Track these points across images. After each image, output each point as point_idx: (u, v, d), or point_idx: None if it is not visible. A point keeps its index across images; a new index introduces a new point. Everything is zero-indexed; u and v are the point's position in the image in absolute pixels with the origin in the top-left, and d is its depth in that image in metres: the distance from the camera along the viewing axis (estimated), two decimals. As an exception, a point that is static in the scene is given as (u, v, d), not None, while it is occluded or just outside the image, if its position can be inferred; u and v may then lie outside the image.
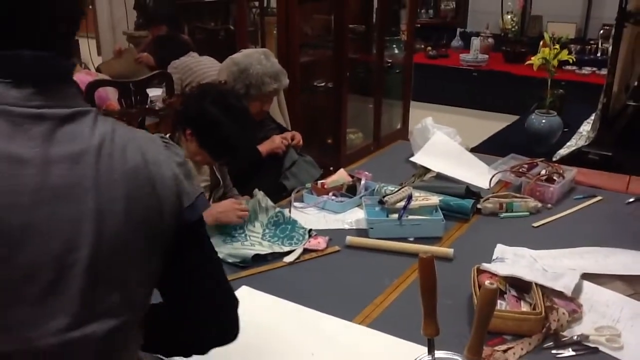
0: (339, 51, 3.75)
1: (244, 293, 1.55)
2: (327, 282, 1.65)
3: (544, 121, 2.99)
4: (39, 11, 0.77)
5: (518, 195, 2.11)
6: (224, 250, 1.76)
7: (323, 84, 4.18)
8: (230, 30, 4.97)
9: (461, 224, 1.97)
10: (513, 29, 5.74)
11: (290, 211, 2.03)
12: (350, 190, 2.18)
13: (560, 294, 1.44)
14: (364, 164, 2.60)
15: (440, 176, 2.31)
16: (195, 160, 1.94)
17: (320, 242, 1.82)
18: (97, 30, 5.75)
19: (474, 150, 2.75)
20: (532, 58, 2.91)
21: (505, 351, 1.29)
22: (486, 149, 2.90)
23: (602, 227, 1.84)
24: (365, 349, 1.34)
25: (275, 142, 2.48)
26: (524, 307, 1.42)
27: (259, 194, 1.95)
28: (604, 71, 2.90)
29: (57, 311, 0.75)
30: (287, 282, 1.63)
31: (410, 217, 1.89)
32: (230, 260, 1.71)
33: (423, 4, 6.37)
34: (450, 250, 1.74)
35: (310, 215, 2.05)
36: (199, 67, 3.52)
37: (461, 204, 2.01)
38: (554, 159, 2.80)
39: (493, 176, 2.26)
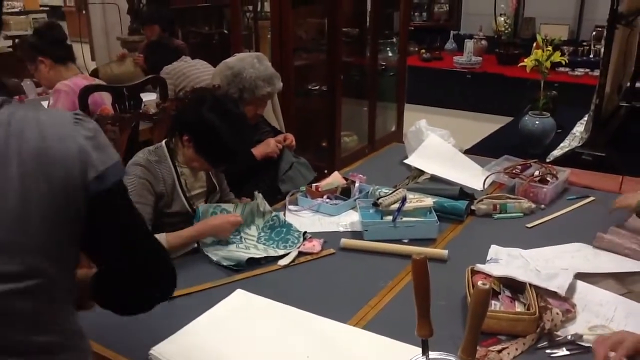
0: (332, 54, 3.76)
1: (239, 296, 1.55)
2: (321, 284, 1.65)
3: (537, 122, 3.00)
4: None
5: (512, 196, 2.12)
6: (219, 252, 1.76)
7: (317, 87, 4.19)
8: (224, 35, 4.98)
9: (455, 226, 1.98)
10: (506, 31, 5.78)
11: (284, 214, 2.03)
12: (345, 192, 2.18)
13: (554, 294, 1.44)
14: (358, 167, 2.60)
15: (434, 178, 2.31)
16: (192, 167, 1.94)
17: (315, 245, 1.82)
18: (90, 36, 5.76)
19: (467, 152, 2.76)
20: (525, 60, 2.92)
21: (499, 351, 1.29)
22: (480, 151, 2.91)
23: (595, 228, 1.85)
24: (360, 351, 1.34)
25: (270, 145, 2.48)
26: (518, 308, 1.43)
27: (259, 197, 1.96)
28: (597, 72, 2.91)
29: None
30: (282, 285, 1.63)
31: (405, 219, 1.90)
32: (224, 263, 1.71)
33: (416, 7, 6.39)
34: (445, 252, 1.75)
35: (304, 218, 2.05)
36: (192, 72, 3.52)
37: (455, 205, 2.02)
38: (547, 160, 2.81)
39: (487, 177, 2.27)
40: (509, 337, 1.35)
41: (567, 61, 3.08)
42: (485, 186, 2.25)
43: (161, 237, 1.72)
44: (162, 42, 3.93)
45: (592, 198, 2.18)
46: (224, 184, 2.15)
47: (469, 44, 5.62)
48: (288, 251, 1.80)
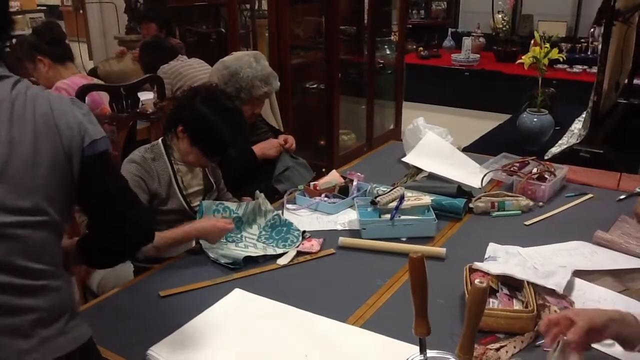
0: (330, 53, 3.76)
1: (237, 295, 1.55)
2: (319, 283, 1.65)
3: (535, 120, 3.00)
4: None
5: (510, 193, 2.12)
6: (218, 250, 1.76)
7: (315, 86, 4.19)
8: (222, 33, 4.97)
9: (453, 224, 1.98)
10: (504, 29, 5.76)
11: (282, 213, 2.03)
12: (343, 191, 2.18)
13: (552, 292, 1.45)
14: (356, 165, 2.60)
15: (432, 176, 2.31)
16: (188, 161, 1.93)
17: (313, 245, 1.82)
18: (88, 35, 5.75)
19: (465, 149, 2.75)
20: (523, 57, 2.92)
21: (498, 349, 1.29)
22: (478, 148, 2.91)
23: (593, 225, 1.85)
24: (359, 350, 1.34)
25: (273, 145, 2.48)
26: (516, 306, 1.43)
27: (261, 197, 1.95)
28: (595, 69, 2.91)
29: None
30: (280, 284, 1.63)
31: (403, 217, 1.90)
32: (222, 261, 1.71)
33: (414, 5, 6.39)
34: (443, 250, 1.75)
35: (303, 217, 2.05)
36: (189, 71, 3.52)
37: (453, 203, 2.02)
38: (545, 157, 2.82)
39: (485, 175, 2.27)
40: (507, 335, 1.35)
41: (565, 58, 3.07)
42: (483, 184, 2.25)
43: None
44: (157, 42, 3.92)
45: (590, 195, 2.18)
46: (221, 183, 2.14)
47: (467, 42, 5.61)
48: (287, 250, 1.80)
